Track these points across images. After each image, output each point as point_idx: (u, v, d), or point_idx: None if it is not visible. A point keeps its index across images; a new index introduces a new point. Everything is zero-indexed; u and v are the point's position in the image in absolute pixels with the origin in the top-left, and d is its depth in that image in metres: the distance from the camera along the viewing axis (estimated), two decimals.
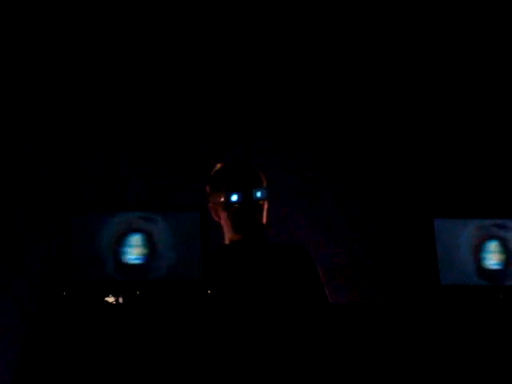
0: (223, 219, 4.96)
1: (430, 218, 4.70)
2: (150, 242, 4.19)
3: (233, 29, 5.92)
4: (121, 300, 3.99)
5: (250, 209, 4.85)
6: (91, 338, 3.84)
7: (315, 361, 3.86)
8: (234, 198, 4.80)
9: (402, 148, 5.79)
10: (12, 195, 5.99)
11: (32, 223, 5.98)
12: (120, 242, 4.17)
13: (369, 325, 4.06)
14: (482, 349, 4.11)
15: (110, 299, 4.01)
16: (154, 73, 5.96)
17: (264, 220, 4.95)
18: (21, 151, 5.98)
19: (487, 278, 4.47)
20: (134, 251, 4.14)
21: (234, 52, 5.97)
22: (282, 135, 6.14)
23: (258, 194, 4.83)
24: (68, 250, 4.10)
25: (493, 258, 4.53)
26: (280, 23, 5.89)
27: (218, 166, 5.03)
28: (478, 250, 4.55)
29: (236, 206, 4.81)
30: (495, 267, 4.51)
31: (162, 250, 4.18)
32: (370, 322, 4.08)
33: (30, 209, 5.94)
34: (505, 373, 4.05)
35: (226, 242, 5.00)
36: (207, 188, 5.05)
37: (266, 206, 4.93)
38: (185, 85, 6.01)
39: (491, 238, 4.61)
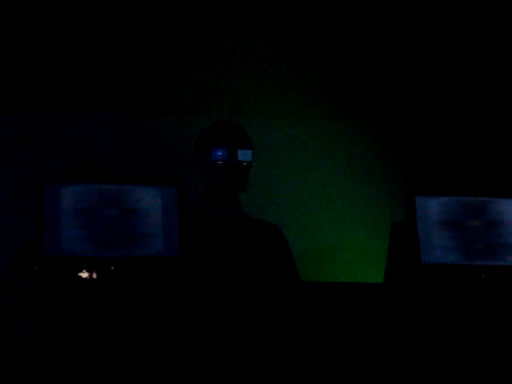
0: (205, 177, 4.88)
1: (412, 196, 4.63)
2: (125, 217, 4.10)
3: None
4: (95, 276, 3.91)
5: (232, 169, 4.77)
6: (65, 314, 3.77)
7: (284, 336, 3.82)
8: (218, 154, 4.72)
9: (382, 124, 5.74)
10: None
11: (6, 195, 5.87)
12: (94, 215, 4.07)
13: (345, 304, 4.02)
14: (463, 328, 4.07)
15: (84, 274, 3.92)
16: (134, 43, 5.84)
17: (245, 184, 4.87)
18: None
19: (469, 257, 4.42)
20: (108, 225, 4.05)
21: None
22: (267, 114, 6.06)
23: (243, 156, 4.75)
24: (40, 223, 3.99)
25: (475, 237, 4.48)
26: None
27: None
28: (460, 229, 4.50)
29: (219, 163, 4.73)
30: (477, 246, 4.45)
31: (138, 225, 4.09)
32: (346, 300, 4.04)
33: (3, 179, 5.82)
34: (485, 352, 4.02)
35: (204, 200, 4.92)
36: (194, 145, 4.98)
37: (248, 170, 4.84)
38: (162, 58, 5.89)
39: (473, 216, 4.55)
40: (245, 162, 4.77)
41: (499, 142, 5.51)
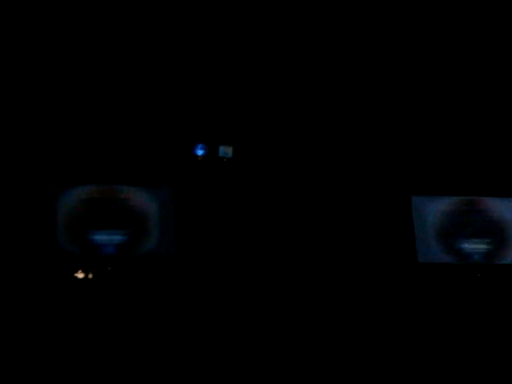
0: None
1: (408, 196, 4.65)
2: (122, 217, 4.10)
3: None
4: (90, 276, 3.90)
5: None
6: (62, 312, 3.78)
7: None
8: None
9: (379, 124, 5.74)
10: None
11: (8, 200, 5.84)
12: (90, 216, 4.08)
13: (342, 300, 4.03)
14: (460, 326, 4.07)
15: (80, 275, 3.92)
16: (122, 43, 5.82)
17: None
18: None
19: (465, 256, 4.42)
20: (106, 226, 4.05)
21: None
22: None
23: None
24: (41, 223, 4.00)
25: (471, 236, 4.48)
26: None
27: None
28: (456, 228, 4.50)
29: None
30: (473, 245, 4.45)
31: (135, 226, 4.09)
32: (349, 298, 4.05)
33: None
34: (482, 348, 4.02)
35: None
36: None
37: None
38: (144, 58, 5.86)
39: (470, 215, 4.56)
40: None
41: (496, 142, 5.52)
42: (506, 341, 4.06)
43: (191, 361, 3.73)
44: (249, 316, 3.84)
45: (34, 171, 5.18)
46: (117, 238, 4.04)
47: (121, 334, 3.75)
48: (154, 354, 3.72)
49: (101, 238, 4.03)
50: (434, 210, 4.58)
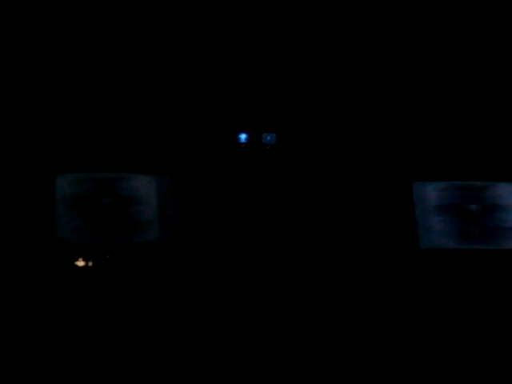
0: None
1: (409, 181, 4.62)
2: (121, 205, 4.07)
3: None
4: (90, 264, 3.88)
5: None
6: (62, 300, 3.76)
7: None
8: None
9: (380, 110, 5.72)
10: None
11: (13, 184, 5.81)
12: (89, 203, 4.05)
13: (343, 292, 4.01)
14: (462, 312, 4.06)
15: (80, 263, 3.90)
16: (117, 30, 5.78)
17: None
18: None
19: (467, 241, 4.40)
20: (105, 214, 4.03)
21: None
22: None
23: None
24: (39, 211, 3.98)
25: (473, 221, 4.46)
26: None
27: None
28: (458, 213, 4.48)
29: None
30: (475, 230, 4.43)
31: (133, 213, 4.07)
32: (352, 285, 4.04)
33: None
34: (482, 334, 4.02)
35: None
36: None
37: None
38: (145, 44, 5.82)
39: (471, 200, 4.54)
40: None
41: (497, 126, 5.51)
42: (508, 326, 4.06)
43: (191, 348, 3.71)
44: (250, 304, 3.82)
45: (31, 158, 5.16)
46: (116, 225, 4.02)
47: (121, 321, 3.73)
48: (154, 341, 3.71)
49: (100, 225, 4.01)
50: (435, 195, 4.56)
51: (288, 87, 5.48)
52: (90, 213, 4.03)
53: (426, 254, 4.29)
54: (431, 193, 4.57)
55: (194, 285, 3.73)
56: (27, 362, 3.69)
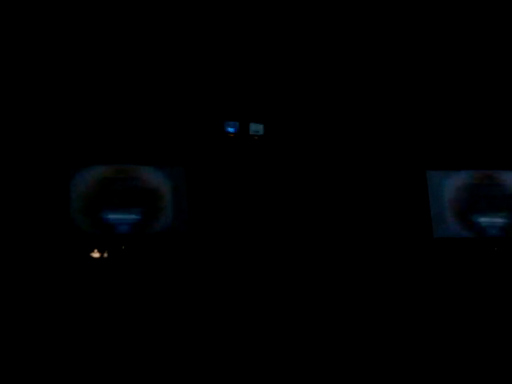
0: None
1: (423, 170, 4.62)
2: (136, 196, 4.09)
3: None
4: (105, 255, 3.91)
5: None
6: (77, 290, 3.79)
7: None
8: None
9: (393, 99, 5.71)
10: None
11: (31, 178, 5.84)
12: (103, 196, 4.07)
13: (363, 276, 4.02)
14: (476, 302, 4.06)
15: (96, 254, 3.92)
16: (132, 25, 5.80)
17: None
18: None
19: (482, 230, 4.39)
20: (120, 205, 4.05)
21: None
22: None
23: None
24: (55, 203, 4.01)
25: (487, 210, 4.45)
26: None
27: None
28: (472, 202, 4.47)
29: None
30: (489, 219, 4.42)
31: (148, 204, 4.09)
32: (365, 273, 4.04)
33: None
34: (494, 324, 4.01)
35: None
36: None
37: None
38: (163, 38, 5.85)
39: (485, 189, 4.53)
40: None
41: None
42: None
43: (205, 335, 3.73)
44: (263, 293, 3.83)
45: (46, 151, 5.19)
46: (131, 217, 4.04)
47: (136, 310, 3.76)
48: (169, 330, 3.73)
49: (115, 217, 4.03)
50: (450, 184, 4.55)
51: (280, 78, 5.48)
52: (104, 204, 4.06)
53: (440, 243, 4.29)
54: (445, 181, 4.56)
55: (209, 274, 3.75)
56: (42, 352, 3.72)
